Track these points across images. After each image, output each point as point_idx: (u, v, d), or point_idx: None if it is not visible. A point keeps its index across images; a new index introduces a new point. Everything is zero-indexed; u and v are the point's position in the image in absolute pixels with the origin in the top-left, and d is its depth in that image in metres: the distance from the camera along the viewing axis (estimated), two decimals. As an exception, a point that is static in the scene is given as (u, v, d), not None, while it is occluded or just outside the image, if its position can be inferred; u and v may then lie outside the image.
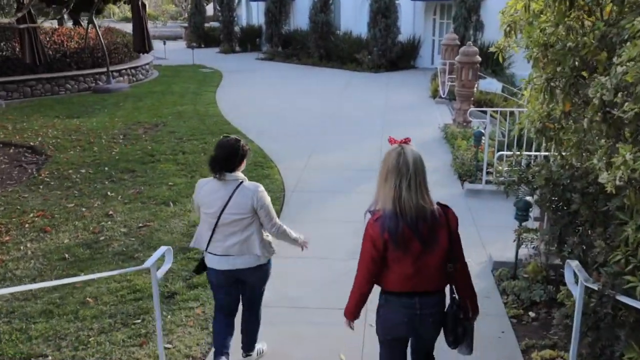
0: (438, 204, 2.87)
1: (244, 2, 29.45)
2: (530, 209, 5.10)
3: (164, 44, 25.64)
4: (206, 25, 30.69)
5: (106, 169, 8.83)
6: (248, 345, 4.15)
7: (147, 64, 18.96)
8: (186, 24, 33.55)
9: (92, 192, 7.82)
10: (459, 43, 14.19)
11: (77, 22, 19.57)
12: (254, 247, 3.71)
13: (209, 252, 3.77)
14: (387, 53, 19.35)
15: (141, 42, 15.43)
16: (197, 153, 9.72)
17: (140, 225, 6.74)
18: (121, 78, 17.29)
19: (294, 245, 4.02)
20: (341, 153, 9.88)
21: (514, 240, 5.15)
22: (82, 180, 8.30)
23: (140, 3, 15.30)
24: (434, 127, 11.31)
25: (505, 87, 14.89)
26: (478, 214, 7.10)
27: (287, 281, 5.38)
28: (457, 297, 2.99)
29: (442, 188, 8.06)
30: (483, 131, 7.95)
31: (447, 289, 3.01)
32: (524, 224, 5.08)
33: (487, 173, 7.88)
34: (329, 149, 10.09)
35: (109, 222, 6.80)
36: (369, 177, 8.30)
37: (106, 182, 8.23)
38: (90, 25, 16.63)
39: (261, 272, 3.87)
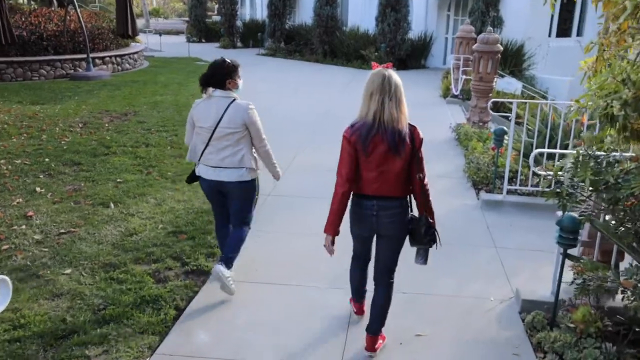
0: (408, 124, 3.23)
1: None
2: (581, 230, 3.56)
3: (160, 35, 24.26)
4: (208, 20, 29.32)
5: (47, 160, 7.34)
6: (227, 259, 4.14)
7: (136, 52, 17.51)
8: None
9: (18, 187, 6.32)
10: (475, 36, 12.62)
11: (61, 4, 18.11)
12: (244, 160, 3.98)
13: (202, 164, 4.06)
14: (396, 50, 17.82)
15: (124, 25, 14.02)
16: (162, 146, 8.22)
17: (62, 231, 5.23)
18: (104, 66, 15.85)
19: (272, 172, 4.35)
20: (332, 154, 8.30)
21: (560, 272, 3.59)
22: (11, 172, 6.80)
23: (124, -17, 13.89)
24: (444, 127, 9.76)
25: (526, 88, 13.32)
26: (498, 232, 5.53)
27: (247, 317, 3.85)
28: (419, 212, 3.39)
29: (453, 197, 6.51)
30: (506, 129, 6.38)
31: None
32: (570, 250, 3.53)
33: (510, 181, 6.33)
34: (318, 149, 8.56)
35: (23, 226, 5.29)
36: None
37: (40, 176, 6.73)
38: (70, 7, 15.19)
39: (247, 187, 4.10)
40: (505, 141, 6.40)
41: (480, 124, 9.09)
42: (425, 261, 3.51)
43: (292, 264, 4.76)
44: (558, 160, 5.83)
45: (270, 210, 6.02)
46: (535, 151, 4.26)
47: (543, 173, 2.85)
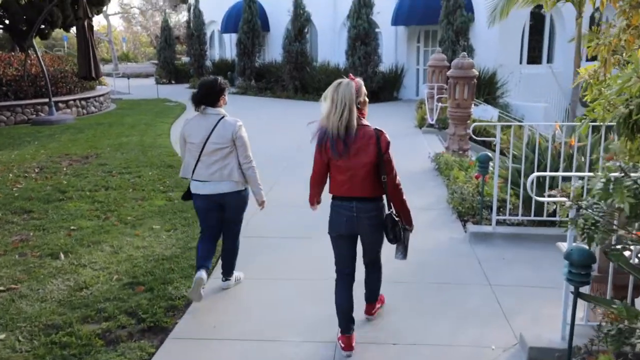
0: (375, 129, 3.45)
1: (216, 36, 27.86)
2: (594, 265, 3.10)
3: (128, 78, 23.79)
4: (178, 61, 29.03)
5: (-6, 209, 6.70)
6: (227, 270, 4.57)
7: (102, 95, 16.99)
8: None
9: (-44, 241, 5.67)
10: (447, 64, 12.42)
11: (22, 48, 17.57)
12: (232, 174, 4.18)
13: (194, 179, 4.24)
14: (368, 83, 17.50)
15: (87, 67, 13.50)
16: (123, 189, 7.64)
17: (1, 289, 4.59)
18: (68, 110, 15.26)
19: (257, 195, 4.43)
20: (306, 189, 7.86)
21: (572, 315, 3.10)
22: (-49, 225, 6.15)
23: (86, 24, 13.44)
24: (422, 157, 9.38)
25: (502, 115, 13.12)
26: (491, 268, 5.05)
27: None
28: (393, 210, 3.59)
29: (439, 231, 6.04)
30: (490, 155, 5.98)
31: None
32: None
33: (498, 210, 5.89)
34: (293, 184, 8.06)
35: (-43, 285, 4.65)
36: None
37: (-16, 227, 6.09)
38: (31, 51, 14.67)
39: (239, 198, 4.31)
40: (490, 168, 5.99)
41: (460, 152, 8.72)
42: (404, 256, 3.74)
43: (270, 313, 4.20)
44: (555, 185, 5.45)
45: (244, 253, 5.45)
46: (534, 175, 3.80)
47: (555, 199, 2.39)
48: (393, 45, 19.01)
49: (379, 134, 3.43)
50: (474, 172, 7.63)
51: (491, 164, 5.96)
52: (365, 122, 3.47)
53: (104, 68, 34.72)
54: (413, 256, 4.14)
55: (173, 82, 27.46)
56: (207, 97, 4.21)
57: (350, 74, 3.61)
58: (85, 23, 13.44)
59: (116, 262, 5.17)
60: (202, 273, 4.22)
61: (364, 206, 3.49)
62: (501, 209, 6.10)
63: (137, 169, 8.74)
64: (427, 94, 12.28)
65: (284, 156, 9.92)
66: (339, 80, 3.42)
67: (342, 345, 3.61)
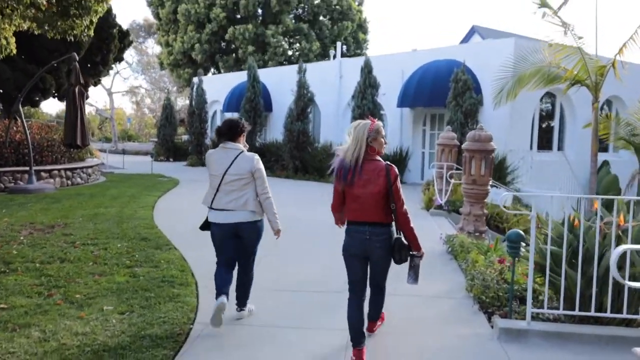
0: (386, 163, 3.93)
1: (218, 115, 27.51)
2: None
3: (123, 152, 23.13)
4: (177, 139, 28.55)
5: None
6: (241, 300, 4.85)
7: (90, 167, 16.12)
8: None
9: None
10: (457, 143, 11.60)
11: (8, 115, 16.90)
12: (248, 203, 4.55)
13: (213, 208, 4.61)
14: (371, 164, 16.79)
15: (73, 134, 12.68)
16: (83, 262, 6.50)
17: None
18: (51, 179, 14.33)
19: (272, 223, 4.73)
20: (301, 269, 6.71)
21: None
22: None
23: (77, 90, 12.78)
24: (433, 240, 8.25)
25: (516, 199, 12.11)
26: (534, 377, 3.82)
27: None
28: (402, 235, 4.01)
29: (460, 325, 4.86)
30: (522, 233, 4.89)
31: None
32: None
33: (535, 301, 4.72)
34: (283, 264, 6.94)
35: None
36: (336, 304, 5.14)
37: None
38: (16, 118, 13.96)
39: (255, 227, 4.67)
40: (523, 250, 4.87)
41: (477, 234, 7.63)
42: (415, 280, 4.12)
43: None
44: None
45: (202, 350, 4.24)
46: (622, 248, 2.70)
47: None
48: (398, 127, 18.39)
49: (388, 167, 3.91)
50: (495, 256, 6.51)
51: (523, 247, 4.86)
52: (378, 158, 3.98)
53: (104, 146, 34.61)
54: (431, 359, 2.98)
55: (171, 159, 26.79)
56: (229, 132, 4.63)
57: (370, 116, 4.20)
58: (77, 89, 12.78)
59: (41, 353, 3.95)
60: (223, 298, 4.47)
61: (375, 230, 3.92)
62: (537, 300, 4.92)
63: (105, 241, 7.62)
64: (435, 173, 11.35)
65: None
66: (359, 120, 3.99)
67: (354, 358, 3.96)
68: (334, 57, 23.38)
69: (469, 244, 6.99)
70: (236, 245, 4.69)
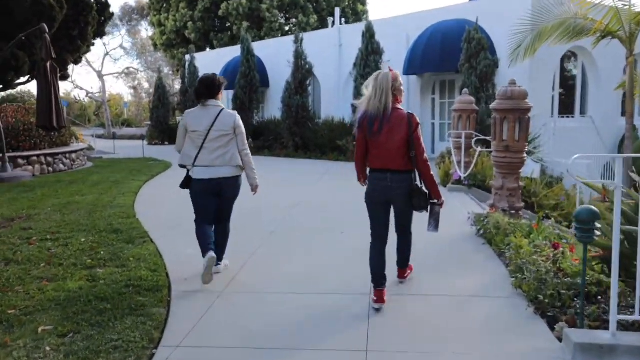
0: (407, 112, 4.09)
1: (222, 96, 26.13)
2: None
3: (114, 137, 21.87)
4: (172, 122, 27.22)
5: None
6: (218, 254, 4.84)
7: (74, 152, 14.85)
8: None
9: None
10: (476, 108, 10.28)
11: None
12: (234, 159, 4.70)
13: (197, 165, 4.65)
14: (378, 138, 15.48)
15: (47, 115, 11.38)
16: (33, 263, 5.30)
17: None
18: (29, 167, 13.08)
19: (250, 178, 4.91)
20: (298, 264, 5.47)
21: None
22: None
23: (49, 65, 11.45)
24: (457, 221, 7.02)
25: (545, 169, 10.83)
26: None
27: None
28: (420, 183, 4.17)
29: (514, 337, 3.64)
30: (596, 209, 3.61)
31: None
32: None
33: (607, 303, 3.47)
34: (277, 256, 5.70)
35: None
36: (346, 313, 3.93)
37: None
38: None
39: (237, 182, 4.81)
40: (597, 233, 3.60)
41: (512, 211, 6.35)
42: (436, 228, 4.36)
43: None
44: None
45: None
46: None
47: None
48: (405, 97, 16.94)
49: (410, 115, 4.05)
50: (541, 239, 5.26)
51: (597, 224, 3.58)
52: (399, 106, 4.10)
53: (97, 132, 33.30)
54: None
55: (166, 142, 25.48)
56: (208, 90, 4.68)
57: (389, 66, 4.25)
58: (48, 65, 11.45)
59: None
60: (212, 253, 4.56)
61: (396, 177, 4.09)
62: (605, 302, 3.66)
63: (68, 235, 6.39)
64: (453, 143, 10.05)
65: (273, 218, 7.57)
66: (378, 71, 4.13)
67: (375, 298, 4.18)
68: (333, 24, 21.85)
69: (506, 224, 5.72)
70: (216, 202, 4.77)
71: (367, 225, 4.42)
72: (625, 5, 10.86)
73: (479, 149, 7.57)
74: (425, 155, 4.10)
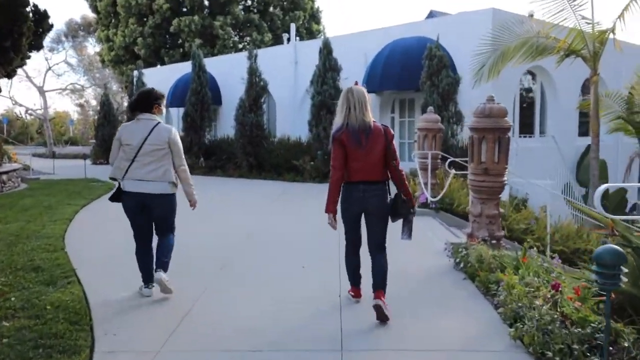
0: (382, 124, 4.27)
1: (163, 110, 24.96)
2: None
3: (53, 157, 20.46)
4: (119, 139, 25.86)
5: None
6: (162, 264, 4.70)
7: (5, 172, 13.55)
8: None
9: None
10: (442, 126, 9.72)
11: None
12: (167, 174, 4.57)
13: (127, 179, 4.57)
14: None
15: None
16: None
17: None
18: (-49, 190, 11.76)
19: (188, 195, 4.77)
20: (254, 308, 4.63)
21: None
22: None
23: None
24: (431, 250, 6.36)
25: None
26: None
27: None
28: (397, 190, 4.30)
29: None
30: (620, 249, 2.94)
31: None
32: None
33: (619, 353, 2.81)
34: (228, 300, 4.86)
35: None
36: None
37: None
38: None
39: (166, 201, 4.66)
40: (623, 279, 2.93)
41: (493, 241, 5.69)
42: (409, 236, 4.36)
43: None
44: None
45: None
46: None
47: None
48: (363, 116, 16.41)
49: (385, 128, 4.24)
50: (532, 276, 4.61)
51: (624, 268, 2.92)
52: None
53: (36, 150, 31.44)
54: None
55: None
56: (141, 104, 4.64)
57: (356, 81, 4.76)
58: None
59: None
60: (159, 274, 4.64)
61: (370, 187, 4.19)
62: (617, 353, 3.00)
63: (-25, 275, 5.35)
64: (418, 164, 9.42)
65: (224, 250, 6.70)
66: (349, 87, 4.28)
67: (352, 294, 4.61)
68: (288, 40, 21.20)
69: (490, 257, 5.05)
70: (149, 217, 4.69)
71: (332, 257, 4.97)
72: (589, 24, 10.64)
73: (453, 171, 6.95)
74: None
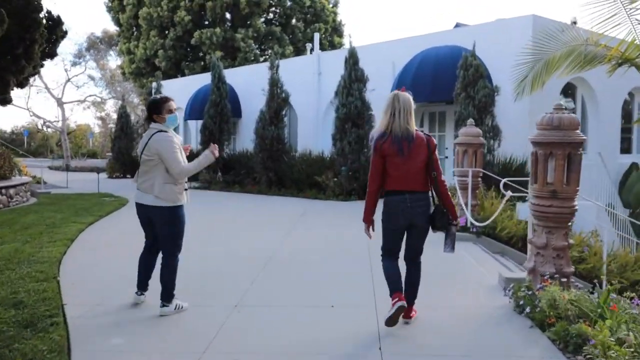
0: (425, 133, 4.20)
1: (181, 124, 24.32)
2: None
3: (67, 170, 19.89)
4: (135, 153, 25.25)
5: None
6: (163, 294, 4.56)
7: (13, 186, 12.88)
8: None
9: None
10: (484, 141, 8.75)
11: None
12: (152, 188, 4.44)
13: (136, 188, 4.66)
14: (361, 174, 13.85)
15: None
16: None
17: None
18: (-46, 205, 11.08)
19: (209, 160, 4.59)
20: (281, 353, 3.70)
21: None
22: None
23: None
24: (481, 284, 5.41)
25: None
26: None
27: None
28: (438, 202, 4.23)
29: None
30: None
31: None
32: None
33: None
34: (248, 341, 3.94)
35: None
36: None
37: None
38: None
39: (162, 214, 4.47)
40: None
41: (563, 279, 4.69)
42: (452, 249, 4.25)
43: None
44: None
45: None
46: None
47: None
48: (390, 130, 15.48)
49: (427, 137, 4.17)
50: (624, 328, 3.62)
51: None
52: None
53: (53, 163, 31.07)
54: None
55: (128, 175, 23.48)
56: (148, 112, 4.61)
57: (403, 87, 4.45)
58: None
59: None
60: (139, 297, 4.81)
61: (415, 197, 4.11)
62: None
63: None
64: (457, 183, 8.44)
65: (238, 283, 5.78)
66: (394, 92, 4.21)
67: (397, 299, 4.13)
68: (311, 51, 20.41)
69: (567, 303, 4.06)
70: (152, 230, 4.65)
71: (366, 294, 4.91)
72: (646, 28, 9.63)
73: (509, 193, 5.98)
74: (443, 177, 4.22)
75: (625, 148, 16.68)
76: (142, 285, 4.82)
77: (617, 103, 15.55)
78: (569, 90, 14.73)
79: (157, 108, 4.54)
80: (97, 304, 4.93)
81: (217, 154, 4.58)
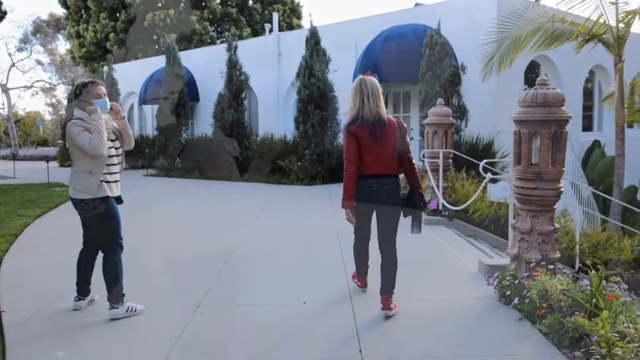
0: (394, 117, 4.22)
1: (136, 109, 23.35)
2: None
3: (14, 159, 18.80)
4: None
5: None
6: (110, 296, 4.16)
7: (-48, 179, 11.96)
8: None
9: None
10: (454, 121, 8.43)
11: None
12: (72, 178, 4.10)
13: None
14: (325, 158, 13.43)
15: None
16: None
17: None
18: None
19: (117, 123, 4.33)
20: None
21: None
22: None
23: None
24: (460, 272, 5.09)
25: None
26: None
27: None
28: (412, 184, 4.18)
29: None
30: None
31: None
32: None
33: None
34: (215, 350, 3.49)
35: None
36: None
37: None
38: None
39: (82, 207, 4.06)
40: None
41: (549, 265, 4.40)
42: (419, 230, 4.21)
43: None
44: None
45: None
46: None
47: None
48: (354, 112, 15.08)
49: (398, 120, 4.17)
50: (623, 320, 3.33)
51: None
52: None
53: (0, 152, 29.54)
54: None
55: (81, 164, 22.42)
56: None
57: (368, 71, 4.36)
58: None
59: None
60: (76, 303, 4.36)
61: (382, 181, 4.04)
62: None
63: None
64: (428, 165, 8.11)
65: (199, 280, 5.29)
66: (360, 77, 4.12)
67: (359, 283, 4.62)
68: (270, 31, 19.75)
69: (560, 294, 3.75)
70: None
71: (340, 288, 4.65)
72: (613, 3, 9.45)
73: (489, 175, 5.65)
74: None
75: (587, 126, 16.76)
76: (82, 289, 4.37)
77: (579, 81, 15.56)
78: (533, 68, 14.63)
79: (78, 94, 4.12)
80: (39, 309, 4.38)
81: (118, 110, 4.27)
